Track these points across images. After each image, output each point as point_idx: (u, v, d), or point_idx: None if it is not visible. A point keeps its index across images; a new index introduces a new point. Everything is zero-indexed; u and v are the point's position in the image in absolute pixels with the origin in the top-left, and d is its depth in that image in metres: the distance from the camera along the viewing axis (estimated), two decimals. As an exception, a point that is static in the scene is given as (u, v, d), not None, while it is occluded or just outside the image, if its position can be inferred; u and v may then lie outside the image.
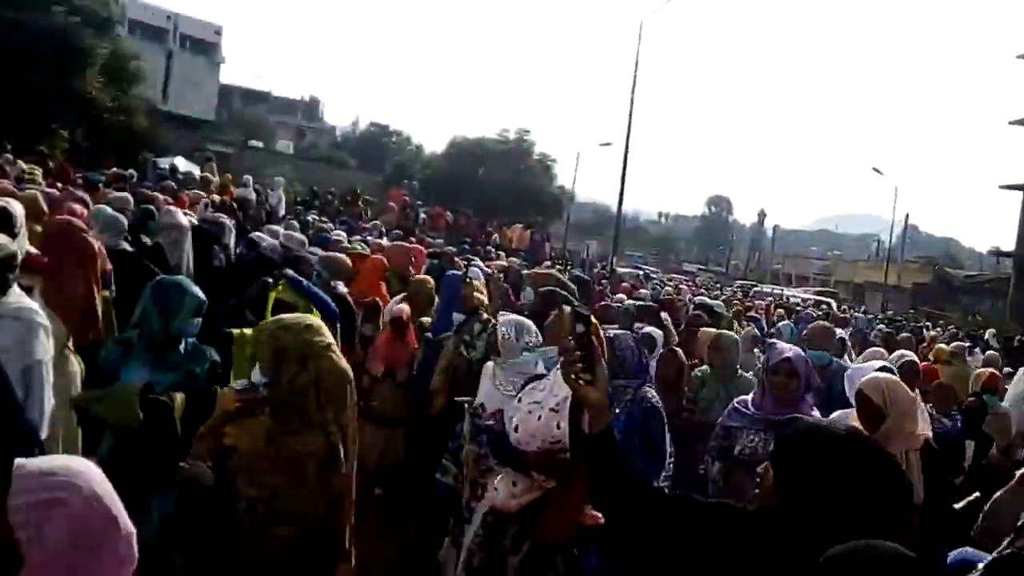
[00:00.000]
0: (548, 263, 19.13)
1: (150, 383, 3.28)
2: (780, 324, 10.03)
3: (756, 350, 7.15)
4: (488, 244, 19.76)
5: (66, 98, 20.38)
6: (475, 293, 5.96)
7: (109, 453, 3.22)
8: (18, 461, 1.64)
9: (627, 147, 25.91)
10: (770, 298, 24.36)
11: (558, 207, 38.49)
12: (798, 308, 19.48)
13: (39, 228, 5.40)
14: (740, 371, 5.52)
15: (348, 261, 6.88)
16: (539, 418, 3.33)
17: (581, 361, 2.03)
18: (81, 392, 4.00)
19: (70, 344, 4.37)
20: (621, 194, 27.54)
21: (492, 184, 35.49)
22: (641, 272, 24.64)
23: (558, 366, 3.48)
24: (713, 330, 6.51)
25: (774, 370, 4.13)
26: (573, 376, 2.03)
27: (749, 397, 4.32)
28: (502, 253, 17.29)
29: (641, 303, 8.71)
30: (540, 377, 3.65)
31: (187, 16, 37.61)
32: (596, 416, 2.06)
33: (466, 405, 4.41)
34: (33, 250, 3.78)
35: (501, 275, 8.69)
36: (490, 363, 4.36)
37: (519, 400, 3.53)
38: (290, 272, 5.36)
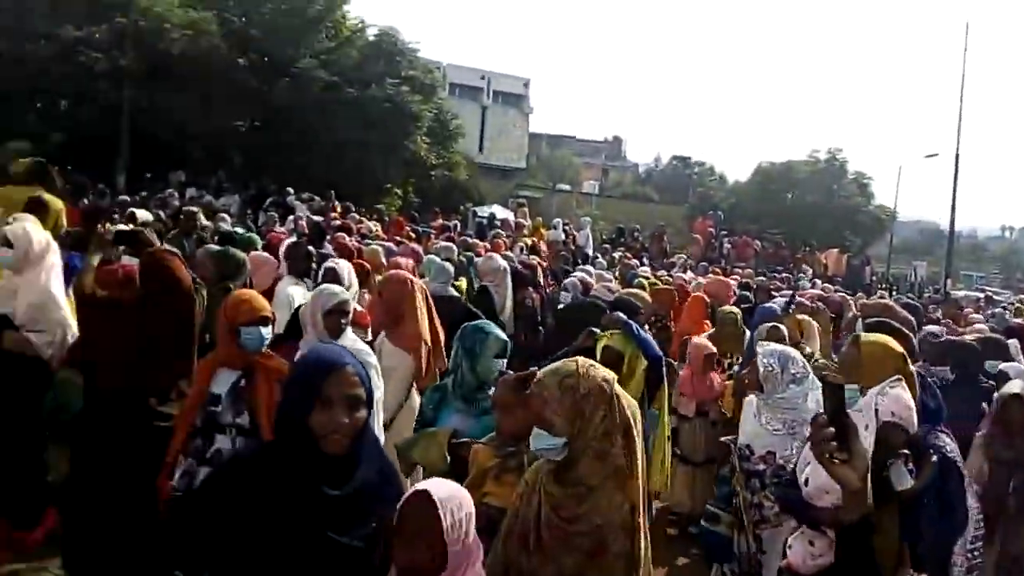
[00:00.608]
0: (872, 290, 17.70)
1: (457, 430, 3.28)
2: None
3: None
4: (799, 272, 18.70)
5: (399, 160, 22.95)
6: (794, 327, 5.68)
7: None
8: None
9: (958, 156, 23.68)
10: None
11: (879, 227, 35.56)
12: None
13: (379, 278, 6.13)
14: None
15: (648, 298, 6.92)
16: None
17: (835, 438, 1.79)
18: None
19: (414, 384, 4.84)
20: (953, 208, 25.09)
21: (803, 208, 33.79)
22: (982, 295, 21.73)
23: (858, 404, 3.13)
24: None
25: None
26: (827, 455, 1.80)
27: None
28: (817, 281, 16.29)
29: (979, 335, 7.49)
30: None
31: (498, 73, 40.46)
32: (849, 503, 1.81)
33: (732, 446, 4.13)
34: (360, 308, 4.17)
35: (823, 306, 8.19)
36: (752, 397, 4.03)
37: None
38: (622, 316, 5.02)
